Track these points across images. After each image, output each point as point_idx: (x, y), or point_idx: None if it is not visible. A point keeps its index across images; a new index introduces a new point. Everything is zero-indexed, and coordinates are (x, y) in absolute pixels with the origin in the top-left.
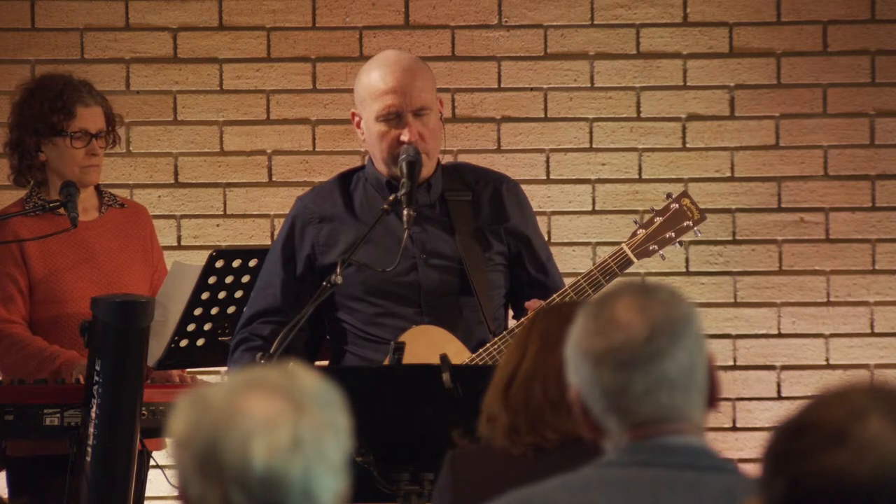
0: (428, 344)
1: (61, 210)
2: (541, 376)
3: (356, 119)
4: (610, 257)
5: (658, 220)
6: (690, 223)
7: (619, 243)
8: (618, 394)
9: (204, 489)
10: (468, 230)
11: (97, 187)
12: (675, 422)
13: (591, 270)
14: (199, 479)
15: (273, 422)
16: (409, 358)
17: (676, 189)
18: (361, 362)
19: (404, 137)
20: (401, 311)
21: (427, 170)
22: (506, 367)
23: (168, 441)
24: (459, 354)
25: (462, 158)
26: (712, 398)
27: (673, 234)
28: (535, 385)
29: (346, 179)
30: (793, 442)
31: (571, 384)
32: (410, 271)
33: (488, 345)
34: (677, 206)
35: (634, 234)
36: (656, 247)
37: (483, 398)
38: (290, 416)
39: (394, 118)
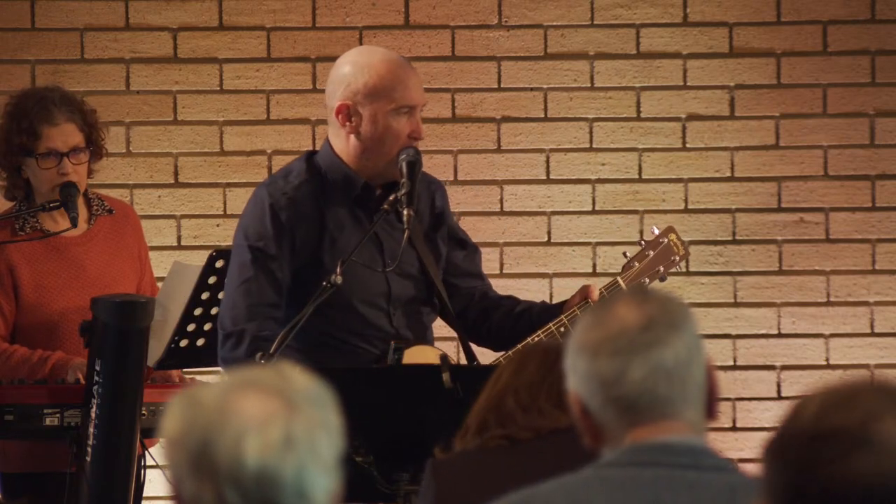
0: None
1: (49, 227)
2: (511, 390)
3: (345, 113)
4: (605, 288)
5: (650, 253)
6: (677, 258)
7: (618, 244)
8: (615, 381)
9: (198, 488)
10: (421, 238)
11: (85, 195)
12: (674, 419)
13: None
14: (192, 478)
15: (265, 420)
16: None
17: (676, 190)
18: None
19: (416, 134)
20: (372, 316)
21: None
22: (484, 391)
23: (161, 441)
24: None
25: (462, 158)
26: (711, 406)
27: (661, 269)
28: (507, 398)
29: (315, 173)
30: (819, 448)
31: (570, 388)
32: (380, 277)
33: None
34: (665, 240)
35: (630, 266)
36: (647, 280)
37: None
38: (283, 414)
39: (407, 113)
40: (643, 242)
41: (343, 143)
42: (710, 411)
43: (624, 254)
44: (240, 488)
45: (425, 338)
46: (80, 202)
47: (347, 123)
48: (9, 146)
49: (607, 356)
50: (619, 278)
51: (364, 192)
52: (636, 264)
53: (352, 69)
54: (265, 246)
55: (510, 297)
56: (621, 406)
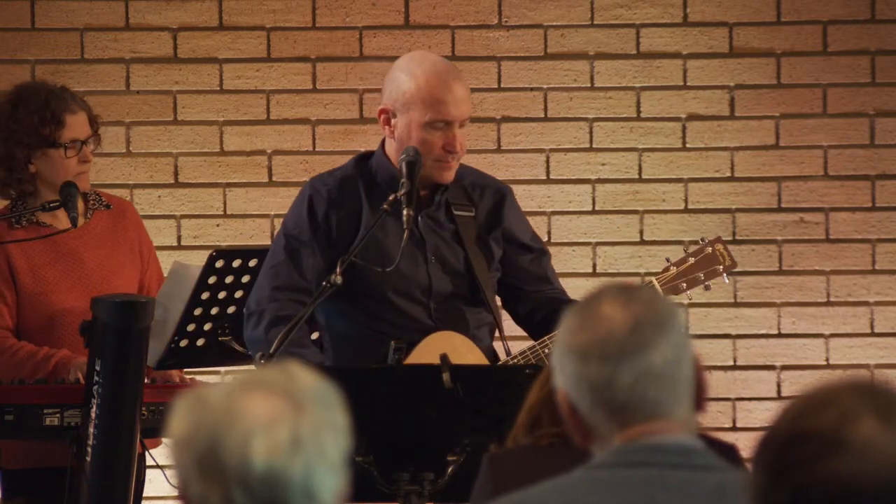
0: (450, 350)
1: (45, 220)
2: None
3: (385, 116)
4: None
5: (691, 260)
6: (721, 268)
7: (618, 244)
8: (604, 386)
9: (205, 489)
10: (473, 241)
11: (81, 192)
12: (664, 419)
13: None
14: (199, 479)
15: (273, 421)
16: (426, 360)
17: (676, 190)
18: (365, 358)
19: (450, 149)
20: (410, 309)
21: (451, 175)
22: (536, 385)
23: (166, 441)
24: (479, 362)
25: (462, 158)
26: (700, 399)
27: (702, 276)
28: None
29: (362, 171)
30: (791, 451)
31: (558, 387)
32: (421, 272)
33: (535, 344)
34: (710, 249)
35: (666, 269)
36: (685, 285)
37: (483, 398)
38: (290, 415)
39: (442, 127)
40: (686, 249)
41: (389, 145)
42: (699, 404)
43: (667, 259)
44: (247, 489)
45: (468, 333)
46: (78, 198)
47: (387, 127)
48: (24, 139)
49: (596, 361)
50: (654, 279)
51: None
52: (674, 268)
53: (399, 75)
54: (299, 233)
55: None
56: (611, 409)
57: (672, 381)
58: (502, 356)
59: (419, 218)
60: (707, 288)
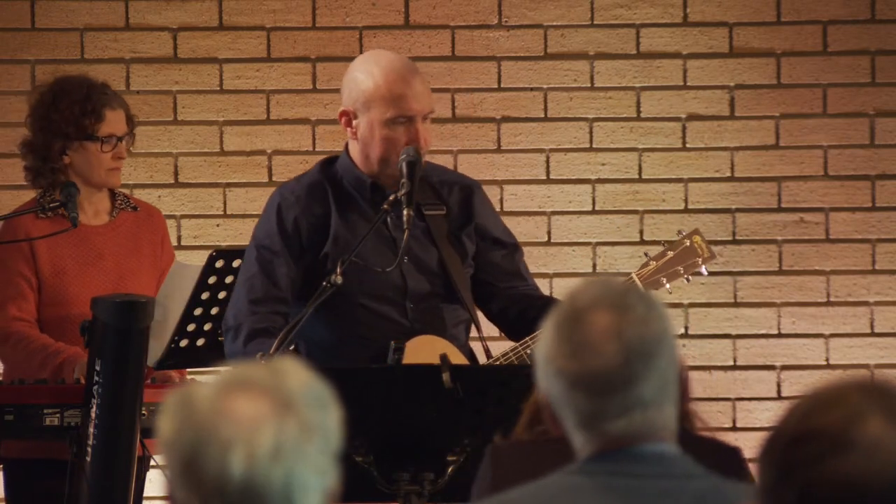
0: (432, 354)
1: (62, 211)
2: None
3: (346, 118)
4: None
5: (669, 254)
6: (699, 260)
7: (618, 244)
8: (592, 416)
9: (187, 496)
10: (445, 238)
11: (110, 190)
12: (648, 435)
13: None
14: (182, 486)
15: (255, 427)
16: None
17: (676, 190)
18: (343, 361)
19: (414, 143)
20: (386, 311)
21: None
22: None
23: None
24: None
25: (462, 158)
26: (683, 399)
27: (682, 269)
28: None
29: (328, 176)
30: (797, 450)
31: (541, 390)
32: (395, 272)
33: (518, 346)
34: (688, 242)
35: (646, 265)
36: (665, 279)
37: (483, 398)
38: (274, 419)
39: (404, 123)
40: (665, 243)
41: (352, 147)
42: (683, 402)
43: (645, 253)
44: (225, 500)
45: (445, 333)
46: (105, 196)
47: (349, 129)
48: (63, 129)
49: (585, 394)
50: (633, 274)
51: (374, 193)
52: (653, 263)
53: (357, 75)
54: (271, 243)
55: (549, 298)
56: (597, 433)
57: (659, 406)
58: (479, 353)
59: (387, 219)
60: (688, 280)
